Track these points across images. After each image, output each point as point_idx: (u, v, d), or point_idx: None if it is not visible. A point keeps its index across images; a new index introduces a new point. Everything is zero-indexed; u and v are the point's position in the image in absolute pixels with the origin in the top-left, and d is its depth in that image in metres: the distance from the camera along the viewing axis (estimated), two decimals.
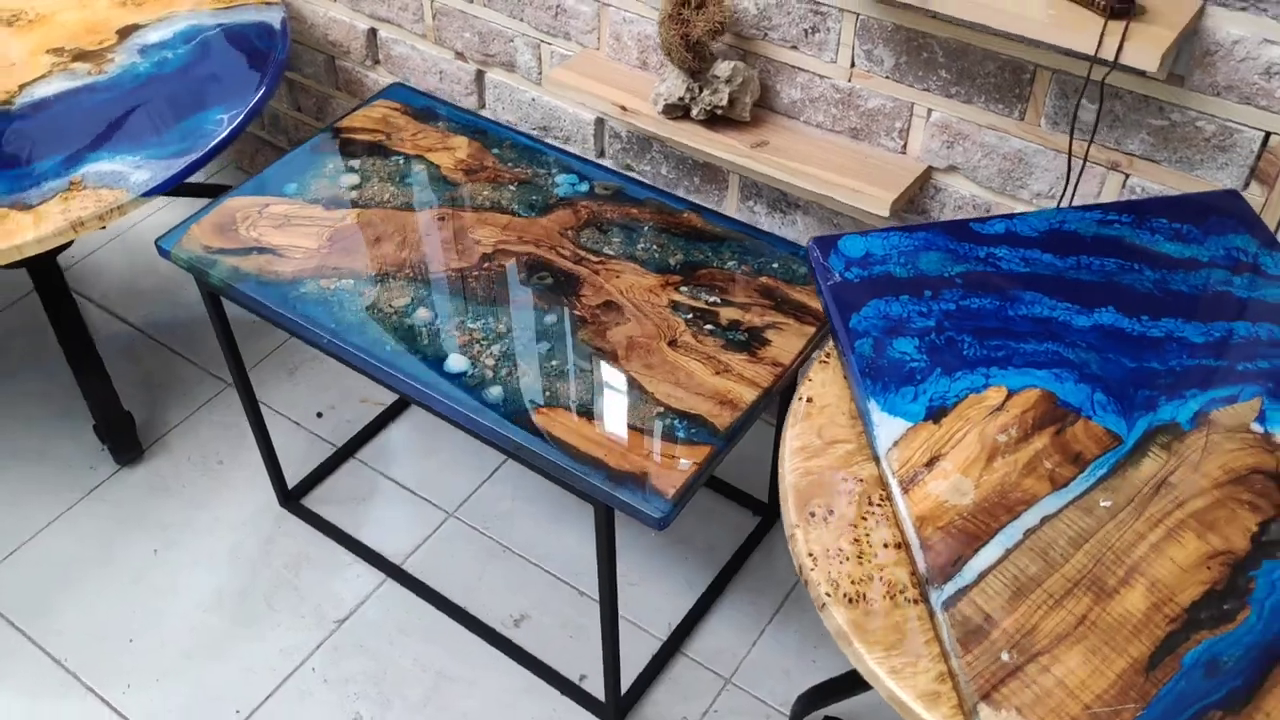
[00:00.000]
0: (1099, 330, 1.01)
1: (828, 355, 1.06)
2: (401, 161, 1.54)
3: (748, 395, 1.23)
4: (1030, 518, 0.88)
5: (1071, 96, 1.24)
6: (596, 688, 1.53)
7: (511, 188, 1.50)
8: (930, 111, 1.36)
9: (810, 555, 0.89)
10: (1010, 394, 0.97)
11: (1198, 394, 0.96)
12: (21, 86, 1.67)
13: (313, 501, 1.78)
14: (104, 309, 2.10)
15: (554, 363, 1.27)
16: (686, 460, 1.16)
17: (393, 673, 1.56)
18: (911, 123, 1.38)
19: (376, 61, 1.94)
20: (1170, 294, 1.04)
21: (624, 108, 1.51)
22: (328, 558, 1.70)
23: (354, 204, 1.47)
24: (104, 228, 1.61)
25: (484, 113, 1.85)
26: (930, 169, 1.40)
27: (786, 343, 1.28)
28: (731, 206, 1.63)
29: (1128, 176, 1.26)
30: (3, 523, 1.75)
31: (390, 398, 1.92)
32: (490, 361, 1.27)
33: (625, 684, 1.54)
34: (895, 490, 0.90)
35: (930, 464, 0.92)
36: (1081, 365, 0.99)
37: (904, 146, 1.41)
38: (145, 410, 1.91)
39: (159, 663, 1.57)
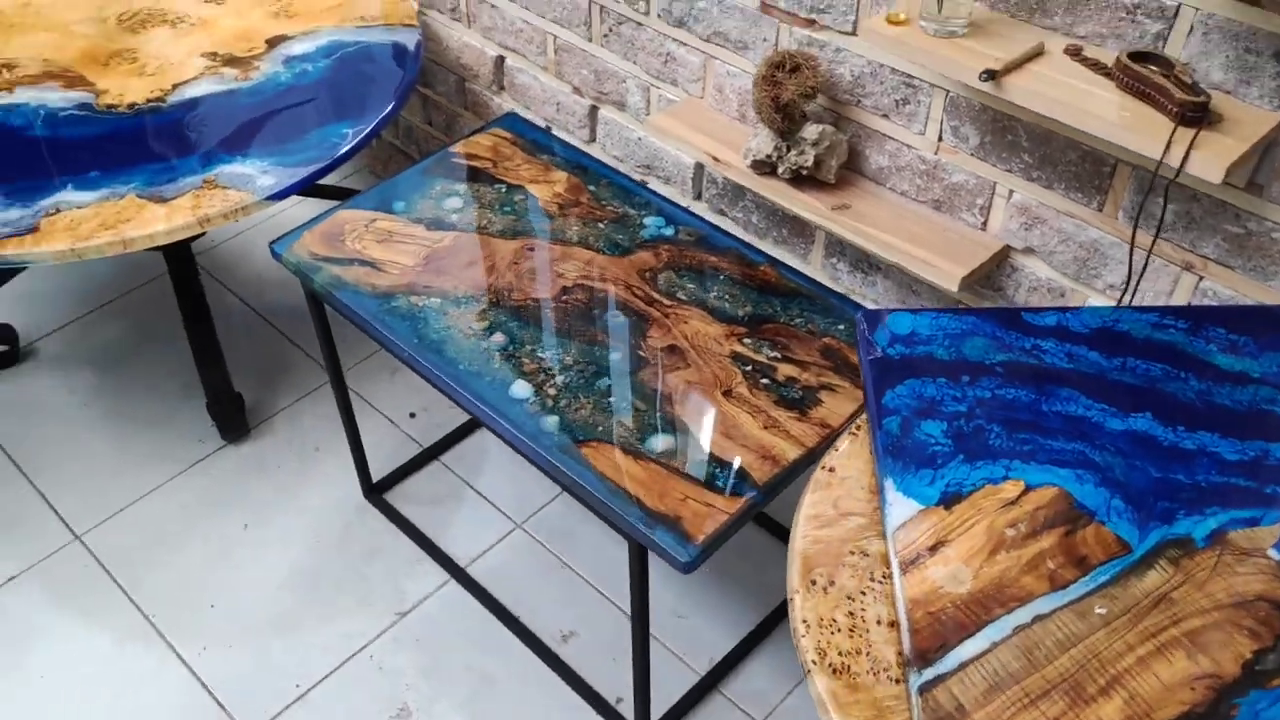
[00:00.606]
0: (1131, 436, 1.02)
1: (858, 428, 1.09)
2: (503, 190, 1.63)
3: (790, 453, 1.26)
4: (1022, 614, 0.90)
5: (1149, 192, 1.24)
6: (631, 712, 1.59)
7: (601, 225, 1.57)
8: (1011, 192, 1.37)
9: (804, 621, 0.93)
10: (1027, 489, 0.99)
11: (1218, 512, 0.96)
12: (175, 86, 1.83)
13: (394, 497, 1.88)
14: (233, 293, 2.26)
15: (611, 399, 1.33)
16: (721, 509, 1.20)
17: (443, 670, 1.64)
18: (993, 201, 1.39)
19: (501, 87, 2.04)
20: (1212, 407, 1.04)
21: (716, 158, 1.56)
22: (400, 552, 1.80)
23: (453, 227, 1.56)
24: (236, 220, 1.75)
25: (593, 147, 1.92)
26: (1008, 248, 1.41)
27: (838, 405, 1.31)
28: (816, 261, 1.67)
29: (1201, 279, 1.25)
30: (116, 483, 1.91)
31: None
32: (552, 391, 1.34)
33: (657, 713, 1.58)
34: (895, 569, 0.93)
35: (934, 548, 0.94)
36: (1106, 469, 0.99)
37: (984, 224, 1.42)
38: (256, 392, 2.05)
39: (233, 630, 1.70)
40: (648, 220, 1.57)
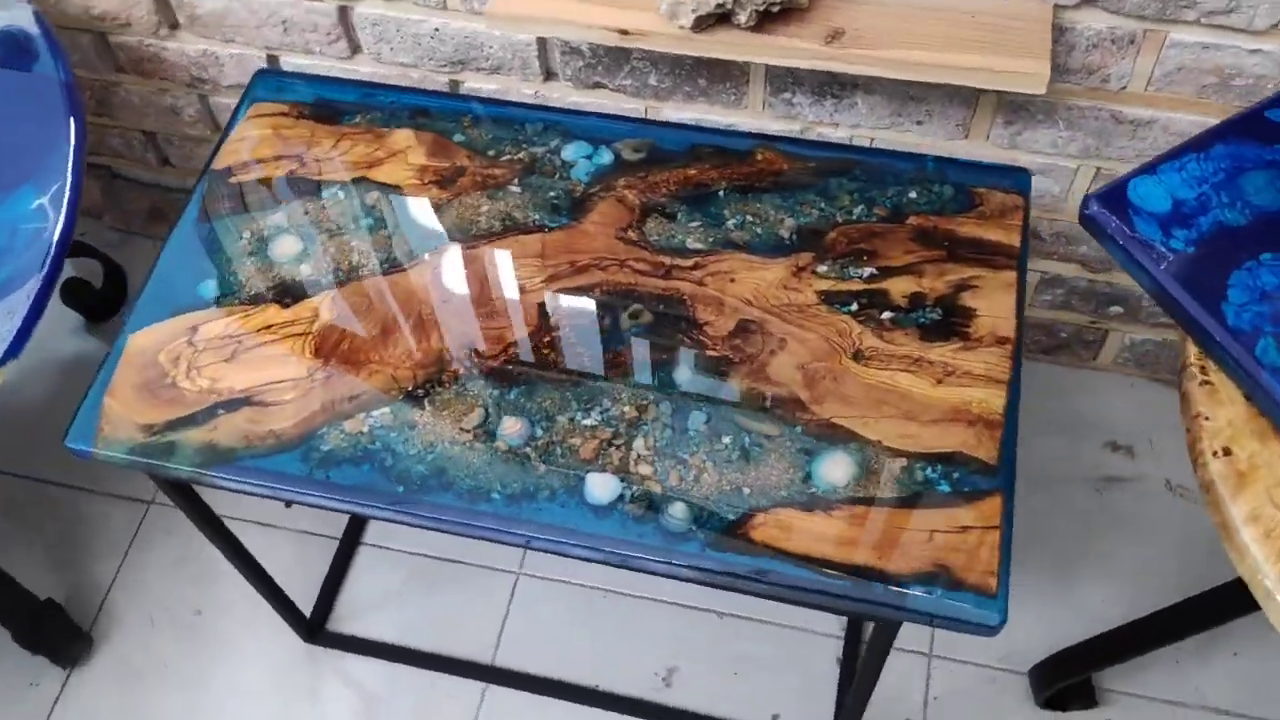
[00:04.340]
0: None
1: (1203, 369, 0.77)
2: (342, 195, 1.08)
3: (995, 400, 0.93)
4: None
5: None
6: None
7: (514, 188, 1.08)
8: None
9: None
10: None
11: None
12: None
13: (342, 622, 1.39)
14: None
15: (726, 439, 0.92)
16: (981, 524, 0.87)
17: None
18: None
19: (174, 26, 1.39)
20: None
21: (625, 31, 1.09)
22: (406, 686, 1.34)
23: (318, 285, 1.03)
24: None
25: (360, 61, 1.36)
26: (1056, 8, 1.07)
27: (993, 304, 0.98)
28: (757, 104, 1.26)
29: None
30: None
31: None
32: (645, 470, 0.92)
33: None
34: None
35: None
36: None
37: None
38: (59, 579, 1.44)
39: None
40: (567, 152, 1.10)
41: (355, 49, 1.35)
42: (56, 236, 1.07)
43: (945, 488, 0.89)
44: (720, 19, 1.06)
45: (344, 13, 1.31)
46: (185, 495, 1.07)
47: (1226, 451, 0.73)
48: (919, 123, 1.23)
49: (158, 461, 0.95)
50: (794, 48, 1.05)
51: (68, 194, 1.10)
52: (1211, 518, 0.72)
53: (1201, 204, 0.79)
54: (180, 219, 1.09)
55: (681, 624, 1.36)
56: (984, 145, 1.23)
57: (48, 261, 1.06)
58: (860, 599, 0.85)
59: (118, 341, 1.01)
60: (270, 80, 1.18)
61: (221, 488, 0.95)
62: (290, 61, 1.39)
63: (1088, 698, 1.27)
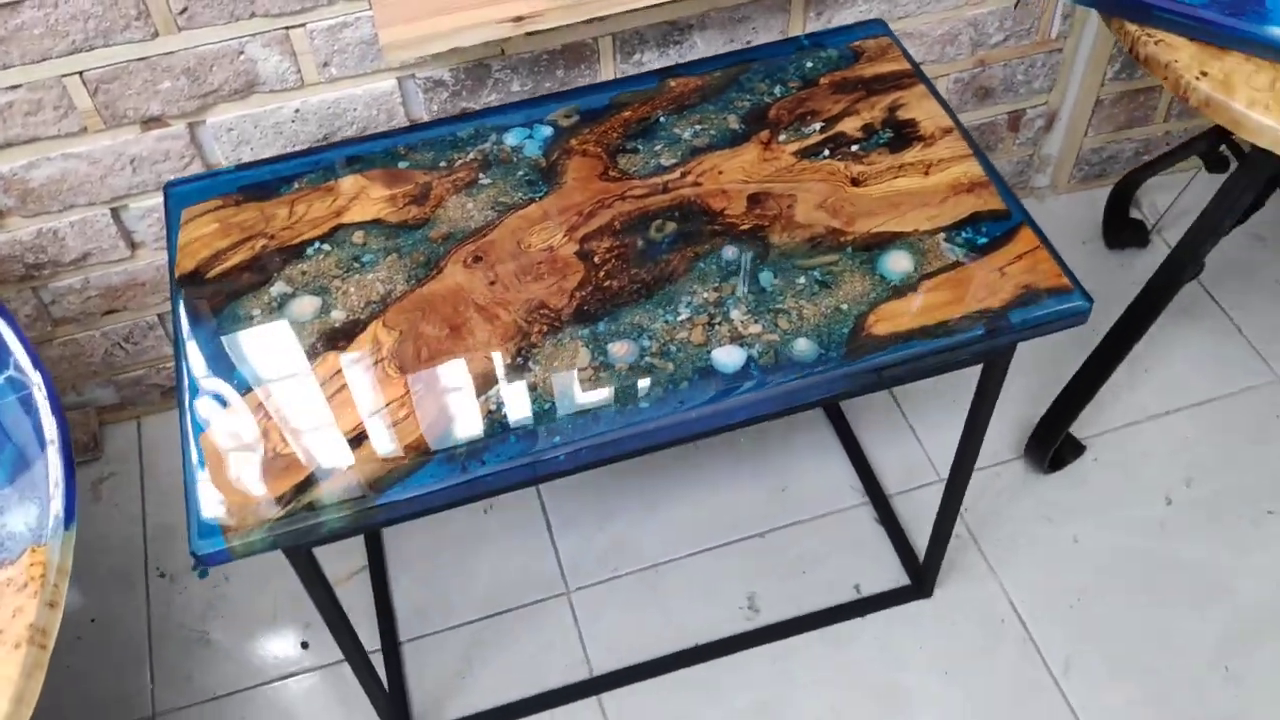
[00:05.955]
0: None
1: (1148, 35, 0.97)
2: (329, 247, 1.08)
3: (974, 169, 1.10)
4: None
5: None
6: (877, 583, 1.38)
7: (485, 181, 1.13)
8: None
9: None
10: None
11: None
12: None
13: (432, 716, 1.32)
14: None
15: (800, 280, 1.03)
16: (1025, 250, 1.03)
17: None
18: None
19: (1, 215, 1.30)
20: None
21: (519, 18, 1.18)
22: None
23: (359, 321, 1.02)
24: None
25: (220, 168, 1.34)
26: None
27: (922, 110, 1.16)
28: (609, 72, 1.38)
29: None
30: None
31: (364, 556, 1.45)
32: (755, 329, 0.99)
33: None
34: None
35: None
36: None
37: None
38: None
39: None
40: (510, 140, 1.16)
41: (208, 164, 1.33)
42: (43, 391, 0.99)
43: (984, 240, 1.04)
44: None
45: (194, 130, 1.29)
46: (311, 565, 1.00)
47: (1204, 74, 0.94)
48: (748, 41, 1.41)
49: (310, 523, 0.90)
50: None
51: (23, 350, 1.02)
52: (1219, 121, 0.92)
53: None
54: (176, 334, 1.03)
55: (733, 560, 1.42)
56: None
57: (52, 414, 0.97)
58: (984, 335, 0.98)
59: (185, 453, 0.95)
60: (181, 189, 1.15)
61: (391, 521, 0.92)
62: (140, 206, 1.34)
63: (1077, 447, 1.47)
